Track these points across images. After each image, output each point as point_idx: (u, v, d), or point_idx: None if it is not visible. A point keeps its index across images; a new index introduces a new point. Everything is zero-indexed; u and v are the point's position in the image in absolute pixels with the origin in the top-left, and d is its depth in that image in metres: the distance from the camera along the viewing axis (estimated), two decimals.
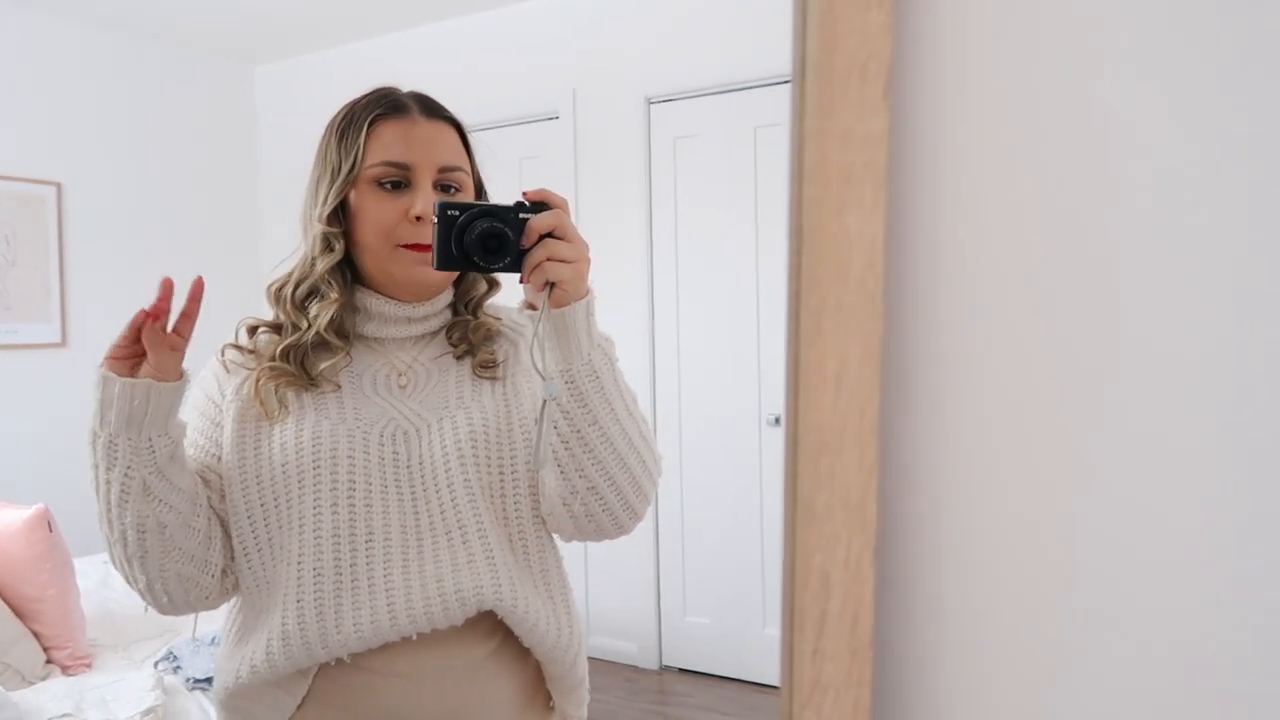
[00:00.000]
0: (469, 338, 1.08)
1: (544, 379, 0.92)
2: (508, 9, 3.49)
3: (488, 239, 0.90)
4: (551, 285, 0.90)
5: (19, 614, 2.27)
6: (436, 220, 0.90)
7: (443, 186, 1.03)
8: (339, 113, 1.05)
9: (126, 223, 3.70)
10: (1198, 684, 0.49)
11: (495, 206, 0.92)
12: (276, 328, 1.06)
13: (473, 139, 1.09)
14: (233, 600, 1.04)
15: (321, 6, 3.52)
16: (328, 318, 1.01)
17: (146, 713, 2.00)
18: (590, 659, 1.13)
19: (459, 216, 0.90)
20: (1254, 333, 0.47)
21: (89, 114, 3.62)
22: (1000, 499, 0.51)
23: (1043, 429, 0.50)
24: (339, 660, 0.96)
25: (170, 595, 0.97)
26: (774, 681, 3.00)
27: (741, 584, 3.17)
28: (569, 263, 0.90)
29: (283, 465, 0.97)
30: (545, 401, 0.92)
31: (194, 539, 0.96)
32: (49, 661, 2.28)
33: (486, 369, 1.06)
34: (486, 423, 1.02)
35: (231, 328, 1.08)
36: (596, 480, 0.96)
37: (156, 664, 2.27)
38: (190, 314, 0.92)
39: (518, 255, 0.91)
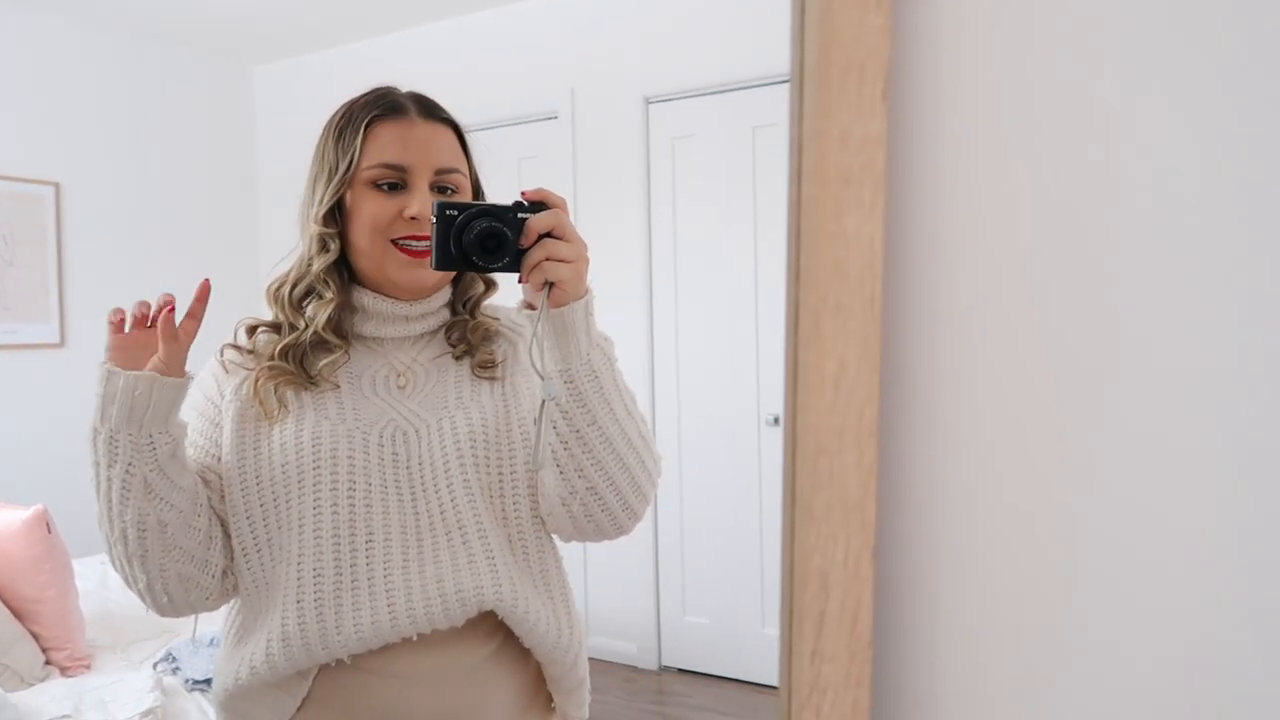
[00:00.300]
0: (468, 338, 1.08)
1: (543, 379, 0.92)
2: (506, 9, 3.49)
3: (486, 239, 0.90)
4: (550, 285, 0.90)
5: (17, 615, 2.27)
6: (435, 220, 0.90)
7: (440, 188, 1.03)
8: (337, 112, 1.05)
9: (125, 223, 3.70)
10: (1195, 684, 0.49)
11: (494, 206, 0.92)
12: (275, 328, 1.06)
13: (471, 140, 1.09)
14: (232, 601, 1.04)
15: (320, 7, 3.52)
16: (325, 317, 1.02)
17: (145, 714, 2.00)
18: (589, 659, 1.13)
19: (458, 216, 0.90)
20: (1251, 329, 0.47)
21: (88, 114, 3.62)
22: (998, 499, 0.51)
23: (1041, 429, 0.50)
24: (339, 661, 0.96)
25: (170, 595, 0.97)
26: (773, 682, 3.00)
27: (740, 584, 3.17)
28: (568, 262, 0.90)
29: (282, 465, 0.97)
30: (544, 402, 0.92)
31: (195, 538, 0.96)
32: (48, 663, 2.28)
33: (485, 369, 1.06)
34: (485, 423, 1.02)
35: (230, 328, 1.08)
36: (596, 481, 0.96)
37: (155, 665, 2.27)
38: (195, 314, 0.92)
39: (516, 255, 0.91)
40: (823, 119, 0.47)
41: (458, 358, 1.07)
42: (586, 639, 1.11)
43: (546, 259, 0.90)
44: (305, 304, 1.04)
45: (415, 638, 0.96)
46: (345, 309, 1.05)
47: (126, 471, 0.91)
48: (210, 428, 1.02)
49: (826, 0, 0.47)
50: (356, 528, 0.96)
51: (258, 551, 0.99)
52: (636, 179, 3.29)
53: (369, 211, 1.00)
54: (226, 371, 1.04)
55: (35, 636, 2.27)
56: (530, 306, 0.93)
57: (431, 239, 0.91)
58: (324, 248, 1.02)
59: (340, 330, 1.04)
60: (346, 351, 1.04)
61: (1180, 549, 0.48)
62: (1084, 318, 0.49)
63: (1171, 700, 0.49)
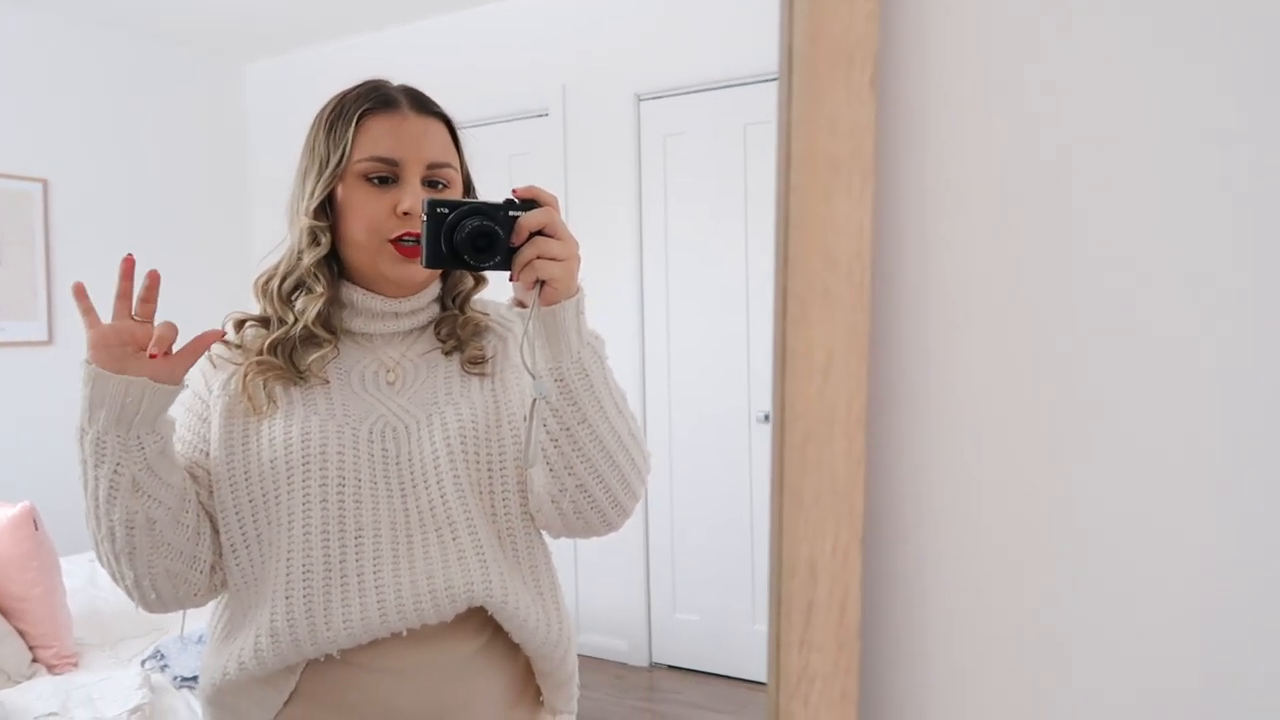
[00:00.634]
0: (457, 333, 1.07)
1: (533, 378, 0.92)
2: (497, 5, 3.48)
3: (478, 237, 0.89)
4: (541, 283, 0.90)
5: (4, 612, 2.25)
6: (426, 218, 0.90)
7: (431, 183, 1.02)
8: (328, 104, 1.04)
9: (114, 220, 3.68)
10: (1182, 662, 0.49)
11: (485, 204, 0.91)
12: (264, 322, 1.05)
13: (463, 135, 1.09)
14: (219, 597, 1.03)
15: (310, 3, 3.50)
16: (314, 311, 1.01)
17: (133, 711, 1.99)
18: (580, 656, 1.13)
19: (448, 214, 0.90)
20: (1245, 308, 0.47)
21: (76, 110, 3.59)
22: (987, 487, 0.51)
23: (1029, 418, 0.50)
24: (327, 657, 0.95)
25: (158, 592, 0.97)
26: (763, 678, 3.00)
27: (731, 581, 3.18)
28: (559, 260, 0.90)
29: (271, 461, 0.97)
30: (534, 400, 0.92)
31: (183, 535, 0.95)
32: (35, 660, 2.26)
33: (475, 365, 1.05)
34: (475, 419, 1.01)
35: (220, 326, 1.07)
36: (585, 478, 0.96)
37: (144, 662, 2.26)
38: (147, 298, 0.91)
39: (507, 253, 0.91)
40: (811, 105, 0.47)
41: (447, 353, 1.07)
42: (577, 636, 1.11)
43: (538, 257, 0.89)
44: (294, 298, 1.04)
45: (404, 633, 0.95)
46: (334, 304, 1.04)
47: (114, 471, 0.90)
48: (198, 423, 1.01)
49: None
50: (346, 523, 0.96)
51: (246, 547, 0.98)
52: (628, 176, 3.29)
53: (361, 207, 1.00)
54: (215, 366, 1.04)
55: (22, 634, 2.26)
56: (521, 304, 0.93)
57: (422, 237, 0.91)
58: (315, 241, 1.01)
59: (329, 325, 1.03)
60: (336, 346, 1.03)
61: (1169, 534, 0.48)
62: (1074, 305, 0.49)
63: (1159, 684, 0.49)
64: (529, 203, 0.92)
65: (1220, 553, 0.48)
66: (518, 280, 0.92)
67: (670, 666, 3.34)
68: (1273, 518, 0.47)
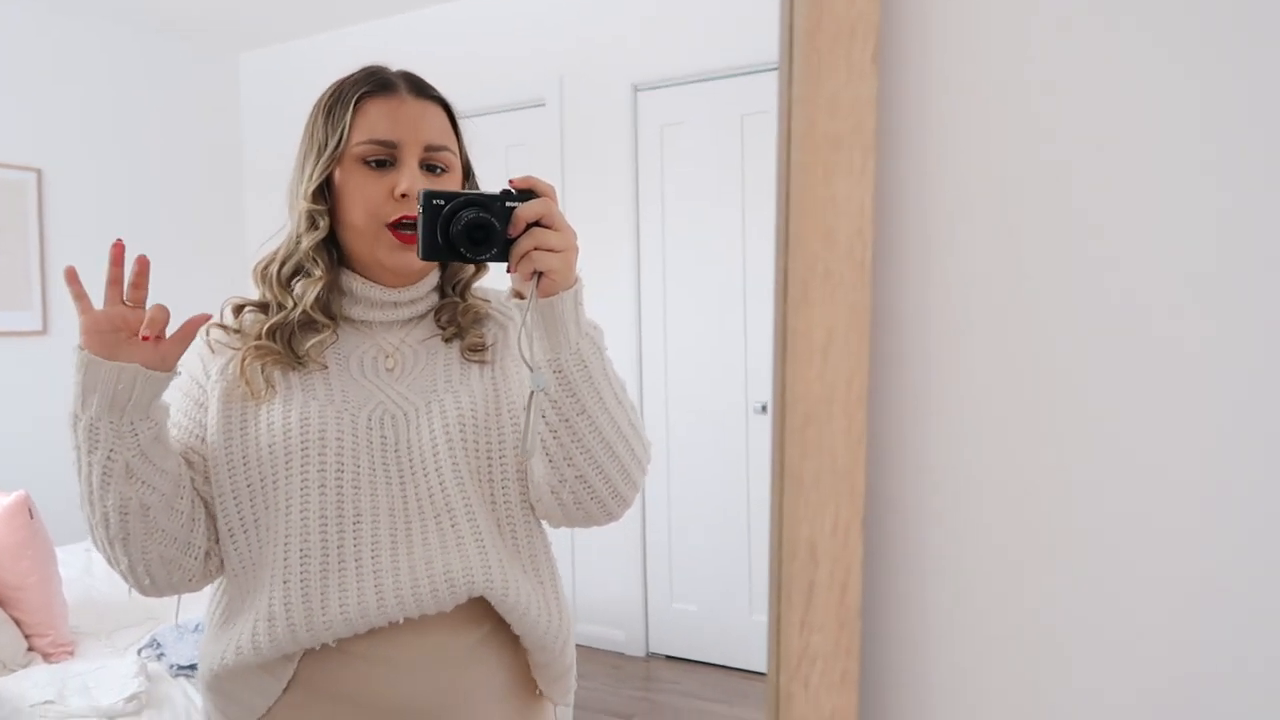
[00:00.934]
0: (457, 320, 1.07)
1: (532, 369, 0.91)
2: None
3: (473, 230, 0.88)
4: (539, 274, 0.89)
5: (0, 601, 2.25)
6: (421, 209, 0.89)
7: (429, 166, 1.02)
8: (327, 90, 1.04)
9: (108, 210, 3.66)
10: (1180, 644, 0.49)
11: (481, 195, 0.90)
12: (262, 307, 1.05)
13: (462, 122, 1.08)
14: (216, 583, 1.03)
15: None
16: (313, 296, 1.01)
17: (130, 699, 1.99)
18: (577, 646, 1.13)
19: (444, 206, 0.89)
20: (1247, 293, 0.47)
21: (70, 99, 3.57)
22: (988, 467, 0.51)
23: (1031, 397, 0.50)
24: (325, 646, 0.95)
25: (152, 577, 0.96)
26: (761, 668, 3.00)
27: (728, 571, 3.18)
28: (557, 252, 0.89)
29: (269, 446, 0.96)
30: (532, 393, 0.92)
31: (177, 521, 0.95)
32: (31, 649, 2.26)
33: (475, 352, 1.05)
34: (475, 407, 1.01)
35: (217, 315, 1.07)
36: (585, 469, 0.96)
37: (140, 651, 2.26)
38: (137, 284, 0.90)
39: (504, 245, 0.90)
40: (812, 82, 0.46)
41: (447, 340, 1.06)
42: (574, 626, 1.11)
43: (535, 248, 0.88)
44: (293, 283, 1.03)
45: (402, 622, 0.95)
46: (333, 290, 1.04)
47: (108, 457, 0.89)
48: (195, 408, 1.01)
49: None
50: (345, 509, 0.96)
51: (245, 532, 0.98)
52: (625, 167, 3.28)
53: (359, 190, 0.99)
54: (213, 351, 1.03)
55: (18, 623, 2.26)
56: (519, 296, 0.92)
57: (418, 228, 0.90)
58: (313, 225, 1.01)
59: (328, 311, 1.03)
60: (334, 332, 1.03)
61: (1171, 516, 0.48)
62: (1074, 285, 0.49)
63: (1160, 670, 0.49)
64: (526, 193, 0.91)
65: (1219, 553, 0.48)
66: (515, 271, 0.91)
67: (667, 657, 3.34)
68: (1272, 518, 0.47)
